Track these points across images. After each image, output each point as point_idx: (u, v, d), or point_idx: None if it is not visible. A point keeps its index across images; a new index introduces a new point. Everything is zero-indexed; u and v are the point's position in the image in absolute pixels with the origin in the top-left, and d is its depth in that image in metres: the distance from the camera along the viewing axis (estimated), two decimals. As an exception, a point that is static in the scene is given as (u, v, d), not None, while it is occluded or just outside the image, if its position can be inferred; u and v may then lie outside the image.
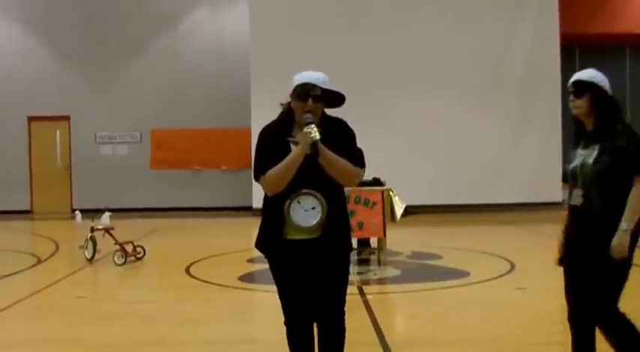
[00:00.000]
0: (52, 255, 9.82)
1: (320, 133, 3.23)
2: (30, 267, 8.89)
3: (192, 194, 16.03)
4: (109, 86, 16.23)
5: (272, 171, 3.27)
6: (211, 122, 15.83)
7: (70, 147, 16.42)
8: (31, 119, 16.34)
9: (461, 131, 14.24)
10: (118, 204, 13.49)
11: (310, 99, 3.28)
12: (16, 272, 8.40)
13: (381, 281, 7.88)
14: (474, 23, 14.39)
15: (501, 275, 7.63)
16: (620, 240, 3.52)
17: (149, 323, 5.91)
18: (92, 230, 8.95)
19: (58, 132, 16.41)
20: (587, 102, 3.66)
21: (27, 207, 16.36)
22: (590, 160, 3.63)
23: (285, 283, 3.44)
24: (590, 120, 3.70)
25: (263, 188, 3.35)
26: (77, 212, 14.20)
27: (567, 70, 15.48)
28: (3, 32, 16.30)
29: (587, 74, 3.71)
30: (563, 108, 14.83)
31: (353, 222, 7.98)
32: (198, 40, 16.22)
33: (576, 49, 15.95)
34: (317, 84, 3.29)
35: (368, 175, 8.94)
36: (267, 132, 3.40)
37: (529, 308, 6.23)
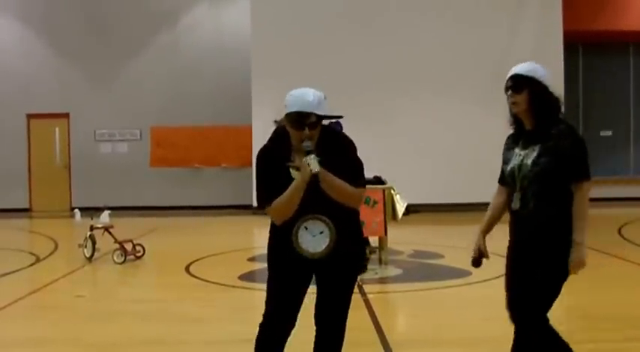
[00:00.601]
0: (51, 254, 9.80)
1: (320, 162, 3.14)
2: (29, 266, 8.86)
3: (192, 192, 15.99)
4: (109, 83, 16.19)
5: (276, 203, 3.21)
6: (212, 119, 15.79)
7: (69, 145, 16.38)
8: (30, 116, 16.30)
9: (463, 130, 14.20)
10: (117, 202, 13.45)
11: (307, 128, 3.17)
12: (14, 271, 8.37)
13: (382, 281, 7.85)
14: (475, 21, 14.34)
15: (503, 275, 7.58)
16: (578, 253, 3.36)
17: (149, 322, 5.89)
18: (91, 228, 8.92)
19: (57, 129, 16.37)
20: (525, 97, 3.44)
21: (26, 205, 16.32)
22: (529, 161, 3.41)
23: (282, 284, 3.35)
24: (528, 117, 3.48)
25: (271, 218, 3.31)
26: (76, 210, 14.15)
27: (570, 67, 15.48)
28: (2, 29, 16.25)
29: (526, 67, 3.48)
30: (566, 107, 14.79)
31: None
32: (198, 36, 16.17)
33: (579, 46, 15.91)
34: (311, 111, 3.15)
35: (369, 174, 8.92)
36: (264, 157, 3.31)
37: (531, 307, 6.19)
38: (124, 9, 16.05)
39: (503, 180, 3.66)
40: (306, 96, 3.17)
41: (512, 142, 3.60)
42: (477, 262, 3.67)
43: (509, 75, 3.52)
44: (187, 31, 16.24)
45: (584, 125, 16.11)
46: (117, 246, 8.76)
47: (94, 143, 16.26)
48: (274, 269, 3.38)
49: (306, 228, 3.23)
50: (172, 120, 15.90)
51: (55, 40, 16.13)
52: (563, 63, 14.53)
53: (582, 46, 15.96)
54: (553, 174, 3.37)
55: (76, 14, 16.06)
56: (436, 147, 14.24)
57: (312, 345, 3.48)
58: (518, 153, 3.50)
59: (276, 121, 3.32)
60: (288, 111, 3.18)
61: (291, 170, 3.24)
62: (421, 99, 14.19)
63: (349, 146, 3.33)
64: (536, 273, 3.41)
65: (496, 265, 8.79)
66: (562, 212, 3.39)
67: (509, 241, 3.61)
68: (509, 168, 3.55)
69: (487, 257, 3.67)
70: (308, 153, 3.13)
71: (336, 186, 3.19)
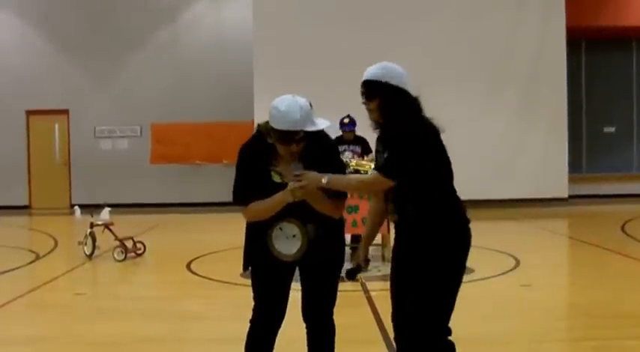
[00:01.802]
0: (50, 251, 9.78)
1: (304, 167, 3.14)
2: (28, 263, 8.83)
3: (193, 189, 15.95)
4: (109, 80, 16.15)
5: (254, 207, 3.23)
6: (213, 116, 15.74)
7: (69, 142, 16.34)
8: (30, 113, 16.26)
9: (466, 126, 14.11)
10: (117, 199, 13.42)
11: (294, 144, 3.13)
12: (14, 269, 8.33)
13: (385, 278, 7.75)
14: (479, 17, 14.28)
15: (506, 272, 7.56)
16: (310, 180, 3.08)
17: (149, 319, 5.86)
18: (91, 225, 8.89)
19: (57, 126, 16.33)
20: (377, 105, 3.14)
21: (25, 203, 16.29)
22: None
23: (266, 278, 3.36)
24: (384, 122, 3.19)
25: (244, 216, 3.32)
26: (76, 207, 14.03)
27: (574, 63, 15.42)
28: (2, 26, 16.22)
29: (376, 72, 3.15)
30: (569, 103, 14.76)
31: (357, 217, 7.92)
32: (199, 32, 16.13)
33: (582, 42, 15.88)
34: (298, 128, 3.07)
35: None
36: (247, 156, 3.30)
37: (534, 305, 6.16)
38: (125, 5, 16.01)
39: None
40: (292, 115, 3.05)
41: (380, 146, 3.25)
42: (352, 274, 3.41)
43: (362, 79, 3.20)
44: (188, 27, 16.19)
45: (587, 121, 16.08)
46: (117, 243, 8.72)
47: (94, 140, 16.22)
48: (256, 265, 3.40)
49: (281, 229, 3.24)
50: (173, 117, 15.86)
51: (55, 37, 16.08)
52: (566, 59, 14.49)
53: (585, 42, 15.92)
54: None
55: (76, 10, 16.02)
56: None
57: (298, 342, 3.47)
58: (382, 158, 3.22)
59: (259, 125, 3.28)
60: (274, 126, 3.11)
61: (272, 173, 3.24)
62: (424, 95, 14.07)
63: (332, 149, 3.37)
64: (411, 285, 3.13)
65: (498, 263, 8.76)
66: (421, 213, 3.13)
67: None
68: None
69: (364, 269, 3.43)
70: (297, 175, 3.12)
71: (319, 201, 3.20)
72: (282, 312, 3.36)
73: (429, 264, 3.11)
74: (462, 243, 3.22)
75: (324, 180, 3.10)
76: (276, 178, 3.23)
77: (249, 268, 3.44)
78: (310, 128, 3.09)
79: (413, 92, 3.26)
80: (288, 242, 3.23)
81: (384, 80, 3.14)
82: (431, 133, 3.17)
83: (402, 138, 3.09)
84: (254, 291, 3.41)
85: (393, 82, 3.15)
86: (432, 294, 3.12)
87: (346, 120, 8.48)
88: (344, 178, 3.26)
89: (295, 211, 3.20)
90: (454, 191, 3.27)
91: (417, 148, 3.09)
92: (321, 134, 3.25)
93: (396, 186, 3.11)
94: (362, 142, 8.63)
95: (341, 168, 3.33)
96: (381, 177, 3.10)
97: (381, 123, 3.21)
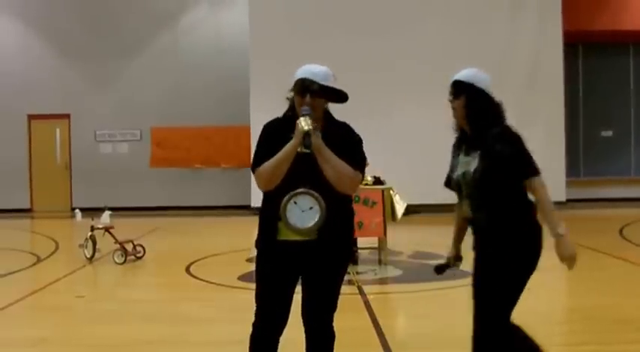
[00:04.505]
0: (51, 254, 9.80)
1: (318, 130, 3.16)
2: (29, 266, 8.86)
3: (192, 193, 15.99)
4: (110, 84, 16.20)
5: (265, 165, 3.19)
6: (212, 120, 15.79)
7: (69, 146, 16.39)
8: (31, 117, 16.31)
9: (463, 130, 14.20)
10: (118, 202, 13.44)
11: (308, 95, 3.20)
12: (15, 271, 8.37)
13: (382, 281, 7.84)
14: (476, 21, 14.33)
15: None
16: (561, 247, 3.25)
17: (149, 322, 5.89)
18: (92, 229, 8.92)
19: (58, 130, 16.38)
20: (462, 103, 3.41)
21: (27, 206, 16.33)
22: (471, 169, 3.37)
23: (270, 285, 3.31)
24: (467, 124, 3.44)
25: (257, 182, 3.26)
26: (77, 210, 14.17)
27: (571, 68, 15.46)
28: (3, 30, 16.27)
29: (465, 74, 3.46)
30: (566, 107, 14.81)
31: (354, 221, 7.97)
32: (198, 37, 16.19)
33: (579, 46, 15.91)
34: (315, 80, 3.20)
35: (368, 174, 8.88)
36: (269, 127, 3.33)
37: (532, 308, 6.13)
38: (125, 10, 16.07)
39: (449, 184, 3.62)
40: (313, 68, 3.26)
41: (456, 149, 3.56)
42: (440, 269, 3.80)
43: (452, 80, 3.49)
44: (187, 32, 16.25)
45: (584, 125, 16.11)
46: (117, 246, 8.75)
47: (95, 143, 16.27)
48: (261, 269, 3.34)
49: (295, 203, 3.14)
50: (172, 121, 15.91)
51: (55, 41, 16.14)
52: (563, 63, 14.53)
53: (582, 46, 15.95)
54: (494, 180, 3.32)
55: (77, 16, 16.07)
56: (437, 146, 14.13)
57: (295, 344, 3.46)
58: (463, 160, 3.46)
59: (288, 98, 3.33)
60: (295, 79, 3.26)
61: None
62: (421, 99, 14.17)
63: (356, 137, 3.34)
64: (492, 280, 3.43)
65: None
66: (512, 217, 3.35)
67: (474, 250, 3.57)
68: (455, 175, 3.51)
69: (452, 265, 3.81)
70: (304, 115, 3.15)
71: (333, 160, 3.16)
72: (284, 316, 3.32)
73: (512, 259, 3.36)
74: (535, 246, 3.39)
75: (316, 142, 3.13)
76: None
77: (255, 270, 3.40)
78: (324, 82, 3.20)
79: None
80: (303, 215, 3.14)
81: (470, 81, 3.42)
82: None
83: (516, 144, 3.38)
84: (256, 295, 3.36)
85: (480, 84, 3.43)
86: (506, 292, 3.42)
87: None
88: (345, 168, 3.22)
89: (312, 184, 3.16)
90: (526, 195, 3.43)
91: (524, 149, 3.39)
92: (349, 128, 3.35)
93: (483, 188, 3.34)
94: None
95: (361, 155, 3.30)
96: (539, 179, 3.33)
97: (464, 126, 3.45)
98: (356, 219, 8.25)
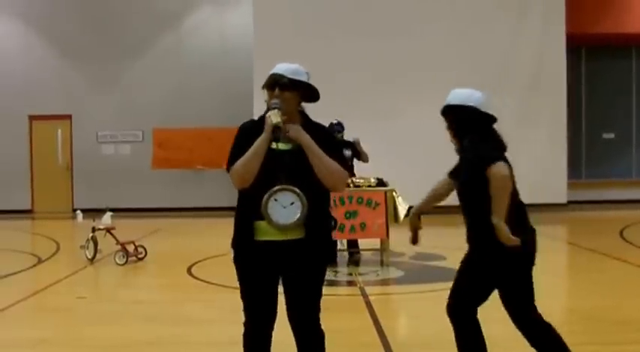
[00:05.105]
0: (52, 255, 9.81)
1: (295, 123, 3.20)
2: (31, 267, 8.87)
3: (194, 194, 15.99)
4: (112, 85, 16.21)
5: (237, 162, 3.19)
6: (215, 121, 15.78)
7: (71, 147, 16.39)
8: (33, 118, 16.32)
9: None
10: (119, 203, 13.45)
11: (277, 88, 3.23)
12: (16, 272, 8.38)
13: (384, 282, 7.84)
14: (479, 23, 14.33)
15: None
16: (500, 232, 3.48)
17: (150, 323, 5.90)
18: (93, 230, 8.92)
19: (59, 131, 16.39)
20: (449, 125, 3.82)
21: (28, 207, 16.34)
22: (460, 181, 3.80)
23: (251, 285, 3.33)
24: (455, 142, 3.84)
25: (232, 181, 3.25)
26: (78, 211, 14.18)
27: (573, 70, 15.46)
28: (4, 30, 16.29)
29: (452, 97, 3.84)
30: (568, 109, 14.81)
31: (355, 223, 7.97)
32: (201, 38, 16.20)
33: (582, 49, 15.91)
34: (285, 74, 3.24)
35: (372, 175, 8.88)
36: (244, 127, 3.36)
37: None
38: (127, 10, 16.08)
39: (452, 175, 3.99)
40: (284, 65, 3.31)
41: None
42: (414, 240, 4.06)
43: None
44: (190, 33, 16.26)
45: (586, 127, 16.10)
46: (119, 247, 8.76)
47: (97, 144, 16.28)
48: (241, 271, 3.35)
49: (276, 200, 3.13)
50: (175, 122, 15.91)
51: (57, 42, 16.15)
52: (566, 66, 14.54)
53: (585, 48, 15.95)
54: (471, 188, 3.65)
55: (78, 16, 16.09)
56: (440, 148, 14.14)
57: (287, 346, 3.45)
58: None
59: (266, 101, 3.34)
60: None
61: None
62: (424, 100, 14.12)
63: (334, 138, 3.41)
64: (473, 275, 3.78)
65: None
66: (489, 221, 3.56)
67: None
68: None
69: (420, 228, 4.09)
70: (273, 109, 3.18)
71: (323, 156, 3.17)
72: (272, 312, 3.33)
73: (490, 259, 3.66)
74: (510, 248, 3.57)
75: (306, 139, 3.17)
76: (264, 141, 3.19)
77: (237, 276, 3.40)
78: (293, 77, 3.23)
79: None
80: (285, 211, 3.12)
81: (456, 104, 3.83)
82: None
83: (479, 148, 3.68)
84: (241, 295, 3.39)
85: (463, 103, 3.80)
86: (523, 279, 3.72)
87: (334, 121, 8.67)
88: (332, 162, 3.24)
89: (290, 180, 3.15)
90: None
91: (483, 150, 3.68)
92: (328, 129, 3.38)
93: (465, 196, 3.71)
94: (351, 146, 8.74)
95: (342, 155, 3.34)
96: (496, 167, 3.59)
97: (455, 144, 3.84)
98: (358, 220, 8.23)
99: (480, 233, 3.63)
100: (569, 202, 14.54)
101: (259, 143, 3.16)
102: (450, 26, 14.32)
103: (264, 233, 3.21)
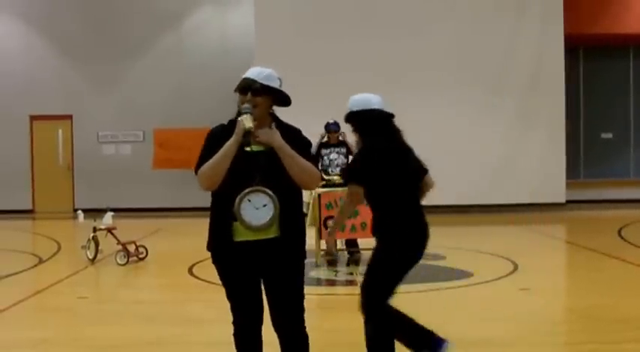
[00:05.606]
0: (53, 255, 9.82)
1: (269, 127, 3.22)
2: (31, 267, 8.89)
3: (195, 194, 15.87)
4: (112, 85, 16.23)
5: (205, 165, 3.21)
6: (215, 121, 15.63)
7: (72, 147, 16.42)
8: (34, 118, 16.35)
9: (465, 132, 14.20)
10: (120, 203, 13.48)
11: (249, 93, 3.24)
12: (17, 272, 8.40)
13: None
14: (478, 24, 14.36)
15: (504, 276, 7.62)
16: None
17: (151, 323, 5.92)
18: (94, 230, 8.94)
19: (60, 131, 16.41)
20: (356, 128, 4.19)
21: (29, 207, 16.36)
22: None
23: (235, 286, 3.36)
24: None
25: (199, 184, 3.30)
26: (79, 212, 14.19)
27: (572, 70, 15.48)
28: (5, 30, 16.31)
29: (354, 104, 4.16)
30: (567, 109, 14.84)
31: (356, 222, 7.99)
32: (202, 38, 16.21)
33: (580, 49, 15.93)
34: (257, 79, 3.25)
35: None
36: (214, 131, 3.39)
37: (532, 308, 6.22)
38: (128, 10, 16.10)
39: None
40: (257, 69, 3.33)
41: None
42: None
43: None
44: (191, 33, 16.28)
45: (584, 127, 16.13)
46: (120, 247, 8.78)
47: (97, 144, 16.30)
48: (222, 273, 3.38)
49: (249, 201, 3.16)
50: (175, 122, 15.93)
51: (58, 42, 16.17)
52: (564, 66, 14.57)
53: (583, 49, 15.98)
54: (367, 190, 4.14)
55: (79, 16, 16.11)
56: (438, 148, 14.21)
57: (274, 346, 3.46)
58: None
59: (237, 104, 3.35)
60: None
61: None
62: (423, 100, 14.19)
63: (305, 140, 3.39)
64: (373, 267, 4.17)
65: (496, 267, 8.82)
66: (378, 219, 4.15)
67: None
68: None
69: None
70: (245, 113, 3.19)
71: (296, 156, 3.21)
72: (258, 310, 3.37)
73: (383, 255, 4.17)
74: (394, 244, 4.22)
75: (278, 141, 3.21)
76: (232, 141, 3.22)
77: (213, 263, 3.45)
78: (265, 82, 3.25)
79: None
80: (258, 212, 3.15)
81: (353, 110, 4.20)
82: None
83: (357, 153, 4.23)
84: (226, 295, 3.42)
85: (357, 108, 4.18)
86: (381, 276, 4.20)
87: (331, 121, 8.72)
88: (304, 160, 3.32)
89: (263, 182, 3.18)
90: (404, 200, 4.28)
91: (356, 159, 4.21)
92: (298, 130, 3.38)
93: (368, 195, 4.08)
94: (346, 145, 8.78)
95: (316, 161, 3.46)
96: (349, 186, 4.20)
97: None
98: (359, 220, 8.25)
99: (376, 225, 4.13)
100: (568, 202, 14.57)
101: (228, 146, 3.19)
102: (449, 27, 14.35)
103: (242, 234, 3.24)
